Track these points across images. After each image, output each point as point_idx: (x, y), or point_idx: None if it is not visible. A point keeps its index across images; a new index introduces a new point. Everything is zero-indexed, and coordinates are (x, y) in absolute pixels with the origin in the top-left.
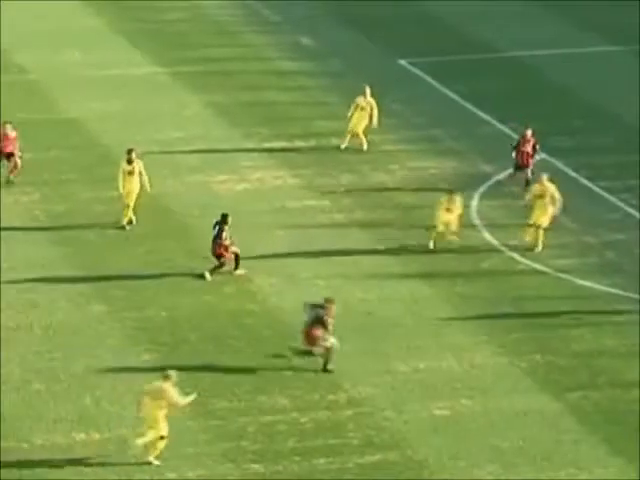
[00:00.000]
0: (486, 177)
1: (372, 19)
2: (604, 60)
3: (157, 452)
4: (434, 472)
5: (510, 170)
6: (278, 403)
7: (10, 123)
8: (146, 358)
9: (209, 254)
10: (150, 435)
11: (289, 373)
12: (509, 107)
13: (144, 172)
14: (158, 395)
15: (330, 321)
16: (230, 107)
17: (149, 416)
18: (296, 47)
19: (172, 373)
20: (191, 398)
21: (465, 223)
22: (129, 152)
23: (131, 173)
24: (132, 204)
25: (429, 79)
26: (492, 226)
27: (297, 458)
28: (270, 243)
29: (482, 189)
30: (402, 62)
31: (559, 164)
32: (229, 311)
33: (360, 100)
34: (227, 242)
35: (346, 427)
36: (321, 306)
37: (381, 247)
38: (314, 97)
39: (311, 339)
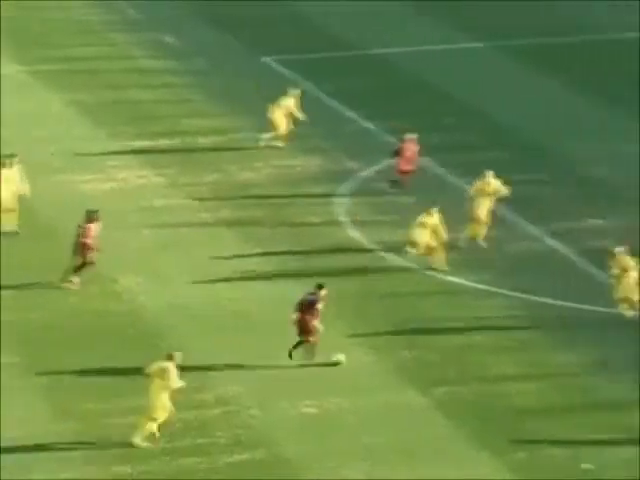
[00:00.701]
0: (352, 174)
1: (238, 18)
2: (471, 57)
3: (146, 433)
4: (303, 470)
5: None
6: (144, 404)
7: None
8: (11, 360)
9: (74, 254)
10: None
11: None
12: (375, 105)
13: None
14: (163, 375)
15: (319, 307)
16: (94, 106)
17: (154, 396)
18: (160, 46)
19: (177, 353)
20: (182, 384)
21: (332, 221)
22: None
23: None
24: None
25: (295, 77)
26: (359, 223)
27: (166, 458)
28: (136, 242)
29: (348, 186)
30: (268, 60)
31: (425, 161)
32: (94, 311)
33: (282, 100)
34: (89, 241)
35: (214, 426)
36: (312, 292)
37: (248, 245)
38: (179, 95)
39: (307, 330)
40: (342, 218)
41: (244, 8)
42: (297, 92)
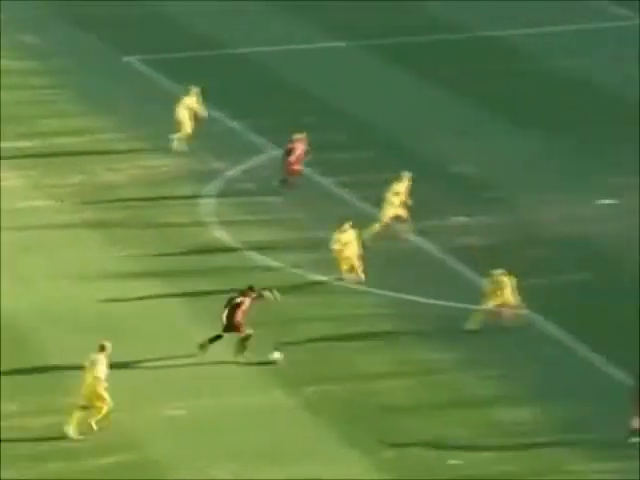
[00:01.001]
0: (218, 174)
1: (100, 18)
2: (333, 56)
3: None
4: (171, 471)
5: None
6: (6, 409)
7: None
8: None
9: None
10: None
11: (20, 377)
12: (240, 104)
13: None
14: (94, 367)
15: (245, 308)
16: None
17: (87, 388)
18: (21, 46)
19: (108, 344)
20: (104, 373)
21: (198, 221)
22: None
23: None
24: None
25: (158, 77)
26: (226, 223)
27: (30, 463)
28: None
29: (215, 186)
30: (131, 60)
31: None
32: None
33: (186, 100)
34: None
35: (81, 429)
36: (242, 292)
37: (114, 247)
38: (41, 96)
39: (234, 326)
40: (208, 218)
41: (106, 8)
42: (197, 90)
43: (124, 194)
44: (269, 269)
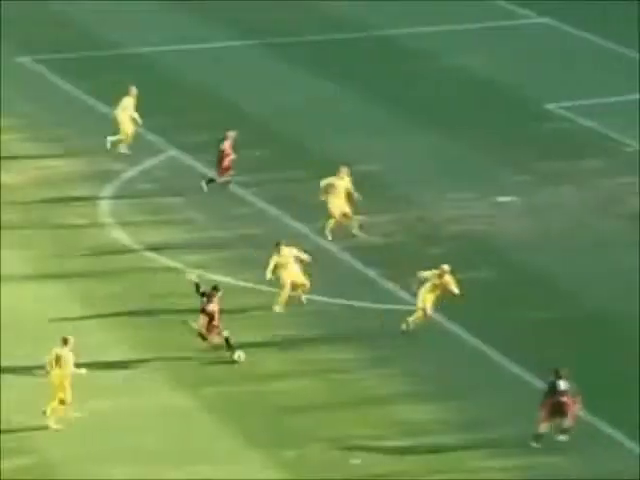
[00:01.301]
0: (116, 175)
1: None
2: (230, 55)
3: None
4: (69, 474)
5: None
6: None
7: None
8: None
9: None
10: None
11: None
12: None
13: None
14: (60, 362)
15: (213, 309)
16: None
17: (55, 383)
18: None
19: (70, 337)
20: (83, 371)
21: (96, 223)
22: None
23: None
24: None
25: (53, 77)
26: (123, 224)
27: None
28: None
29: (112, 187)
30: (24, 60)
31: (189, 160)
32: None
33: (125, 101)
34: None
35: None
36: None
37: (10, 249)
38: None
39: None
40: (107, 219)
41: None
42: (135, 91)
43: (21, 196)
44: (168, 270)
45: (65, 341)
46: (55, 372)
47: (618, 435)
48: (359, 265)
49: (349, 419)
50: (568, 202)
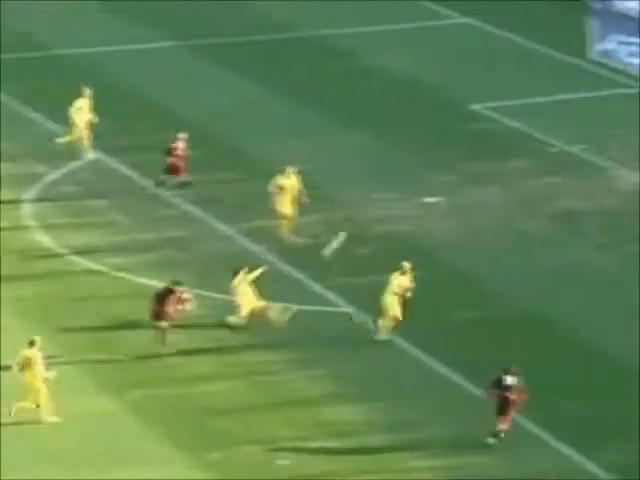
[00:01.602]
0: (39, 178)
1: None
2: (161, 57)
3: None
4: None
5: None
6: None
7: None
8: None
9: None
10: (28, 403)
11: None
12: (59, 106)
13: None
14: (29, 364)
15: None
16: None
17: (28, 385)
18: None
19: (37, 338)
20: (53, 374)
21: (19, 226)
22: None
23: None
24: None
25: None
26: (47, 227)
27: None
28: None
29: (35, 190)
30: None
31: (113, 162)
32: None
33: (79, 102)
34: None
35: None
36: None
37: None
38: None
39: (160, 318)
40: (29, 223)
41: None
42: (89, 92)
43: None
44: (92, 273)
45: (32, 343)
46: (26, 374)
47: (545, 435)
48: (286, 267)
49: (276, 421)
50: (494, 202)
